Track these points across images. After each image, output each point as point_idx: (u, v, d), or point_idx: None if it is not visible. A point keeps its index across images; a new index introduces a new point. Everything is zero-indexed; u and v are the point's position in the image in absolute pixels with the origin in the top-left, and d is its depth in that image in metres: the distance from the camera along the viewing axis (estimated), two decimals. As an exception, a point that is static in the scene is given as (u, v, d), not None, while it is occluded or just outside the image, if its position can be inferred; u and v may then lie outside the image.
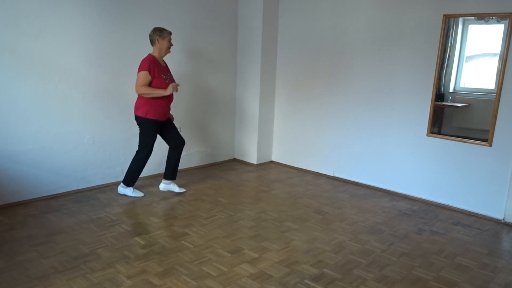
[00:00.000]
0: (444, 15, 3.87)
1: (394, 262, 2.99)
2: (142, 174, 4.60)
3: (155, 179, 4.60)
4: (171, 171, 4.19)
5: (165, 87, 3.81)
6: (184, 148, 4.30)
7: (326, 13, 4.75)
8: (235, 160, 5.65)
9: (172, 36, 3.89)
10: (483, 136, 3.80)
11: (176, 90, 3.87)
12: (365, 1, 4.42)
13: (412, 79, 4.17)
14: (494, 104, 3.69)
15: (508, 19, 3.55)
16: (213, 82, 5.17)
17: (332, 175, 4.99)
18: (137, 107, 3.87)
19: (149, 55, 3.84)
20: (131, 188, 4.08)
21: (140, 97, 3.84)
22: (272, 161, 5.63)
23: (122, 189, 4.09)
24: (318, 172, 5.12)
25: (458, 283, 2.74)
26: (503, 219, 3.77)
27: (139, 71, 3.75)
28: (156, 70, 3.77)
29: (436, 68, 3.98)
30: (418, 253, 3.15)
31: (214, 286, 2.59)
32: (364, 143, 4.63)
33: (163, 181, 4.26)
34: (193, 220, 3.60)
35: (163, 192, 4.25)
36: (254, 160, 5.43)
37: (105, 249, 3.01)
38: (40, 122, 3.78)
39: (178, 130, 4.19)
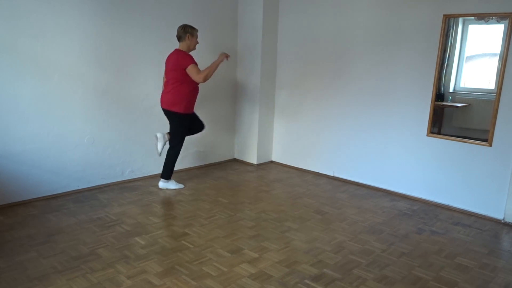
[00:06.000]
0: (444, 15, 3.87)
1: (394, 262, 2.99)
2: (142, 174, 4.62)
3: (155, 178, 4.59)
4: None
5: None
6: (183, 149, 4.36)
7: (326, 13, 4.75)
8: (235, 160, 5.65)
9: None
10: (483, 136, 3.80)
11: (227, 58, 4.14)
12: (365, 1, 4.42)
13: (412, 79, 4.16)
14: (494, 104, 3.69)
15: (508, 19, 3.55)
16: (213, 82, 5.15)
17: (332, 175, 4.99)
18: (172, 103, 4.01)
19: (182, 50, 3.98)
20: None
21: (176, 93, 3.98)
22: (272, 161, 5.63)
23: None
24: (318, 172, 5.12)
25: (458, 283, 2.74)
26: (503, 219, 3.77)
27: (188, 64, 3.89)
28: None
29: (436, 68, 3.98)
30: (418, 253, 3.15)
31: (214, 286, 2.59)
32: (364, 143, 4.63)
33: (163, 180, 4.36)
34: (193, 220, 3.60)
35: (163, 192, 4.25)
36: (254, 160, 5.43)
37: (105, 249, 3.01)
38: (40, 122, 3.78)
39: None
